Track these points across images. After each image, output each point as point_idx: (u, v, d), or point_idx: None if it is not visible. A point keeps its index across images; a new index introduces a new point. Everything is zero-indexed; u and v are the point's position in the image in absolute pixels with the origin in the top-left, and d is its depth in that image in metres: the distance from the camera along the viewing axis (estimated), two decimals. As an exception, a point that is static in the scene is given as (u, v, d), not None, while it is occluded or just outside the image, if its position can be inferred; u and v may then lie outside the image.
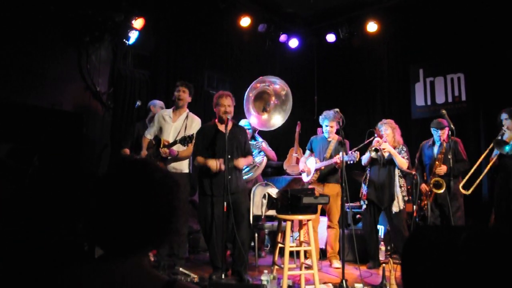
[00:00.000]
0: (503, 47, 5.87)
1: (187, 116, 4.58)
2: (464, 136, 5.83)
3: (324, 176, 5.05)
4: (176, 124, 4.53)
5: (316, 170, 5.02)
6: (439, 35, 6.55)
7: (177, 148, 4.30)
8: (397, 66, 7.27)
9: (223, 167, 3.97)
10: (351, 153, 4.55)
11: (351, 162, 4.54)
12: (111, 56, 5.89)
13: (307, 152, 5.26)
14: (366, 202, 4.92)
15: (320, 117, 5.16)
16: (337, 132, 5.29)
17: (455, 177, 4.69)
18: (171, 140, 4.40)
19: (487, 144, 5.22)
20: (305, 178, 5.20)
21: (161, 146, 4.34)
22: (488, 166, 4.80)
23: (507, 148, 4.63)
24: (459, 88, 6.50)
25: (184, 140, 4.08)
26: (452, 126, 4.50)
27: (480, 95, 6.23)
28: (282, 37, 7.53)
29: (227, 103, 4.19)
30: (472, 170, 4.78)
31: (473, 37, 6.21)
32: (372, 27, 7.02)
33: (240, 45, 7.40)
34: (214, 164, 4.03)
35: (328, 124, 5.02)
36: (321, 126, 5.49)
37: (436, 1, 6.38)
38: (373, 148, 4.73)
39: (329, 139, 5.10)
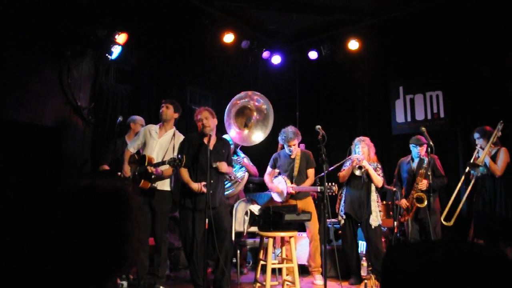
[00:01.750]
0: (478, 65, 6.05)
1: (174, 134, 4.48)
2: (443, 152, 5.94)
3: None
4: (161, 141, 4.43)
5: (288, 193, 4.88)
6: (418, 54, 6.72)
7: (163, 167, 4.22)
8: (378, 83, 7.40)
9: (204, 190, 3.97)
10: (330, 185, 4.52)
11: (330, 194, 4.45)
12: (93, 70, 5.83)
13: (269, 169, 5.17)
14: (344, 218, 4.93)
15: (279, 137, 4.99)
16: (309, 148, 5.27)
17: (434, 192, 4.76)
18: (154, 156, 4.34)
19: (465, 160, 5.33)
20: (277, 198, 5.06)
21: (146, 163, 4.24)
22: (468, 190, 4.91)
23: (481, 169, 4.77)
24: (437, 105, 6.65)
25: (174, 162, 3.91)
26: (431, 143, 4.57)
27: (457, 112, 6.38)
28: (265, 54, 7.58)
29: (203, 116, 4.19)
30: (451, 202, 4.91)
31: (450, 56, 6.39)
32: (353, 45, 7.13)
33: (223, 61, 7.41)
34: (196, 186, 4.05)
35: (289, 144, 4.90)
36: (304, 143, 5.50)
37: (415, 21, 6.55)
38: (357, 166, 4.79)
39: (292, 157, 4.99)
